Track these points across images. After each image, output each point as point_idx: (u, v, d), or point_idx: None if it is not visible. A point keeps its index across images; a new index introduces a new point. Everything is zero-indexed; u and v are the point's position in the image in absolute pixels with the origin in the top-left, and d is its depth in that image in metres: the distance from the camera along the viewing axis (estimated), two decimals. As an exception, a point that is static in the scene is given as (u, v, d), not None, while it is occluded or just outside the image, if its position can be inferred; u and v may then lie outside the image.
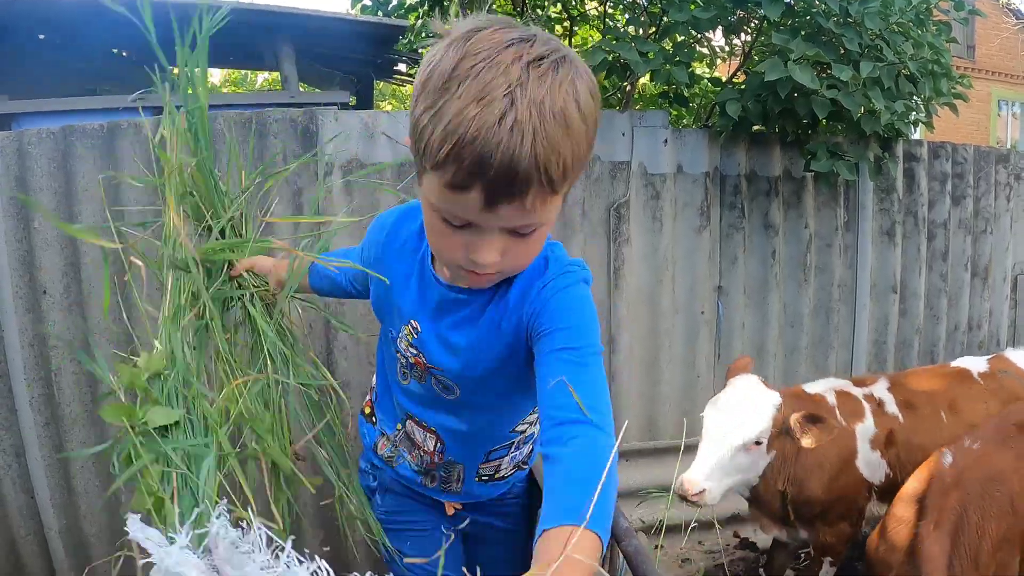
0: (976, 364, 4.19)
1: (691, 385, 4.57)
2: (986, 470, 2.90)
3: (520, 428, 1.91)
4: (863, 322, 5.09)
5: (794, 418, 3.25)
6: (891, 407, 3.80)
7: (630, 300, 4.28)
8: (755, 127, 4.58)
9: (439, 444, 1.87)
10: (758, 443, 3.29)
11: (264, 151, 3.72)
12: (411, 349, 1.74)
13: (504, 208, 1.24)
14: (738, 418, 3.28)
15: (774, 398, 3.35)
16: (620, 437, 1.26)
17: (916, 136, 5.71)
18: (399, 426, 1.94)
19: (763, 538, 4.44)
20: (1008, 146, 20.37)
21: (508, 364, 1.63)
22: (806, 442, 3.22)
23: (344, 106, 6.14)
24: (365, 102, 8.22)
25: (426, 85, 1.24)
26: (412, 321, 1.71)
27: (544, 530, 1.18)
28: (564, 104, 1.21)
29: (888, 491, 3.69)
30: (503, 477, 1.99)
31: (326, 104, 4.91)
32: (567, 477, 1.26)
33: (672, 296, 4.43)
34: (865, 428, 3.70)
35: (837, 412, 3.67)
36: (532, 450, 2.05)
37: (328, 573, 1.01)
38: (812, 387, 3.81)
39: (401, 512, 2.03)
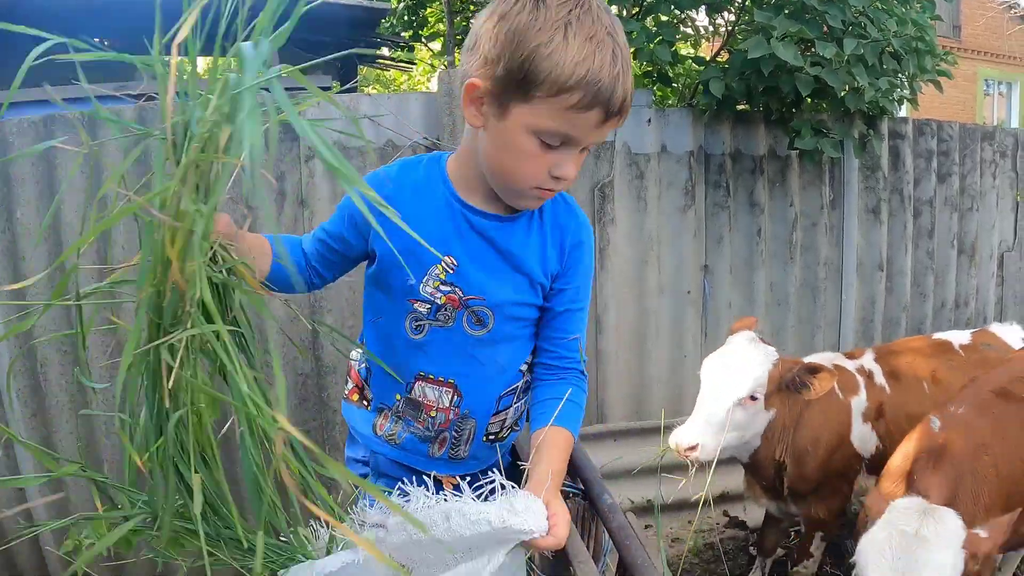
0: (959, 337, 4.22)
1: (678, 364, 4.57)
2: (974, 436, 2.93)
3: (523, 368, 1.97)
4: (850, 300, 5.09)
5: (795, 371, 3.26)
6: (879, 378, 3.82)
7: (616, 280, 4.28)
8: (739, 105, 4.57)
9: (456, 397, 1.91)
10: (754, 398, 3.28)
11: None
12: (443, 288, 1.80)
13: (608, 125, 1.57)
14: (733, 373, 3.28)
15: (771, 353, 3.34)
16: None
17: (902, 114, 5.70)
18: (398, 396, 1.94)
19: (753, 517, 4.45)
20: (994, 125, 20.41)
21: (537, 290, 1.85)
22: (809, 393, 3.23)
23: (326, 91, 6.09)
24: (349, 88, 8.19)
25: (531, 26, 1.49)
26: (446, 257, 1.78)
27: (539, 428, 1.78)
28: (627, 44, 1.58)
29: (877, 463, 3.70)
30: (502, 437, 2.02)
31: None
32: (560, 397, 1.83)
33: (658, 276, 4.42)
34: (859, 401, 3.72)
35: (836, 387, 3.68)
36: (525, 410, 2.07)
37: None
38: (808, 360, 3.81)
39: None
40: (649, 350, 4.47)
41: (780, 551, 4.38)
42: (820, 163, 4.80)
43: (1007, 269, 6.18)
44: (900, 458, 3.01)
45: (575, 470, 2.20)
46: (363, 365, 2.05)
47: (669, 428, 3.61)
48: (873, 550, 2.54)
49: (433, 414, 1.91)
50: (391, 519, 1.51)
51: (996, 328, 4.38)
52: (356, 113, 3.83)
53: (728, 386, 3.26)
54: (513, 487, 1.55)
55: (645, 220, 4.33)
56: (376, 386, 2.01)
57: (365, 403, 2.03)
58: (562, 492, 2.04)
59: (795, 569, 3.87)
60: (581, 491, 2.13)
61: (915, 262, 5.45)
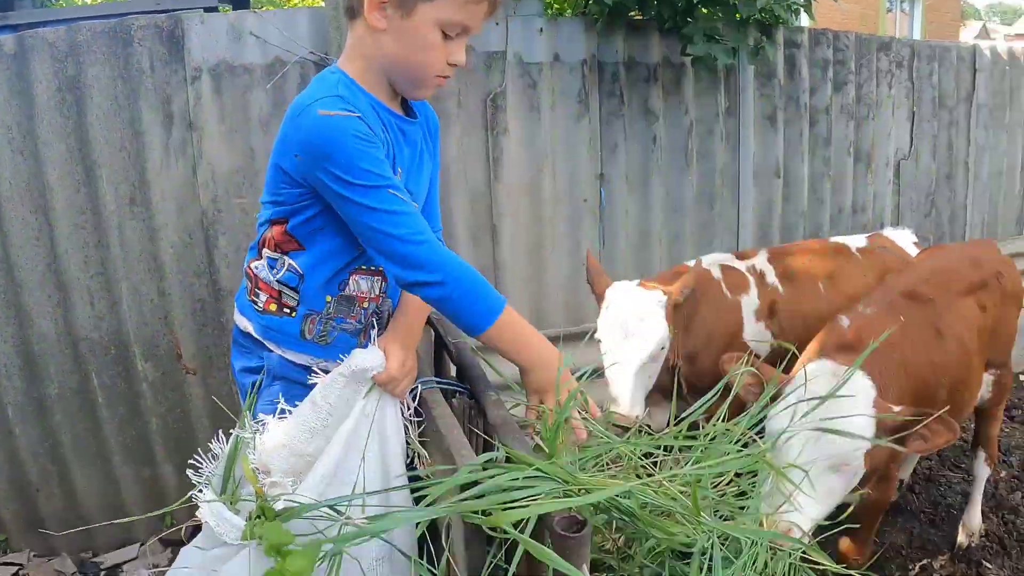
0: (855, 240, 4.30)
1: (577, 273, 4.58)
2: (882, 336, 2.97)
3: None
4: (747, 207, 5.16)
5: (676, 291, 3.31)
6: (771, 278, 3.87)
7: (511, 190, 4.27)
8: (632, 13, 4.55)
9: (383, 284, 2.08)
10: (663, 348, 3.32)
11: (129, 59, 3.59)
12: None
13: (491, 14, 1.81)
14: (634, 337, 3.27)
15: (657, 297, 3.36)
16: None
17: (803, 23, 5.76)
18: (329, 298, 2.02)
19: (658, 421, 4.51)
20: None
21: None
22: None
23: (212, 11, 5.92)
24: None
25: None
26: (398, 168, 1.95)
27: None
28: None
29: (773, 363, 3.77)
30: None
31: (192, 9, 4.74)
32: None
33: (553, 185, 4.42)
34: (750, 300, 3.77)
35: (723, 285, 3.72)
36: None
37: None
38: (699, 260, 3.85)
39: (290, 400, 2.03)
40: (546, 259, 4.48)
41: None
42: (715, 71, 4.80)
43: (903, 177, 6.32)
44: (805, 357, 3.04)
45: (462, 370, 2.22)
46: (281, 274, 2.05)
47: (568, 337, 3.65)
48: (786, 415, 2.56)
49: (365, 305, 2.06)
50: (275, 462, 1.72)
51: (889, 232, 4.48)
52: (242, 30, 3.74)
53: (635, 352, 3.26)
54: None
55: (539, 130, 4.31)
56: (308, 292, 2.04)
57: (287, 311, 2.05)
58: (447, 390, 2.10)
59: (698, 468, 3.94)
60: (467, 389, 2.15)
61: (812, 169, 5.54)
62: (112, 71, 3.59)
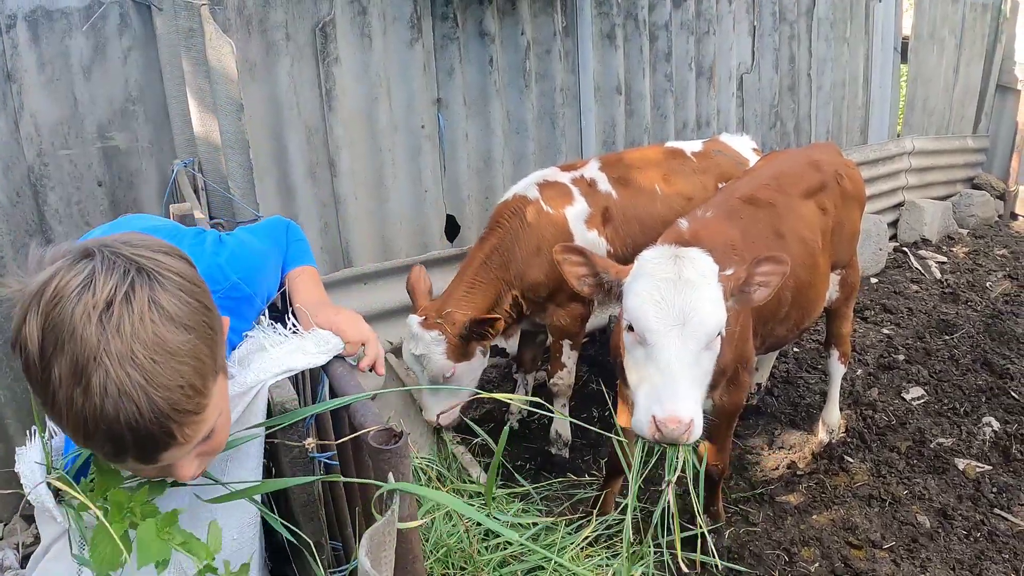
0: (691, 145, 4.40)
1: (420, 201, 4.60)
2: (723, 237, 3.04)
3: None
4: (590, 125, 5.21)
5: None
6: (604, 185, 3.93)
7: (346, 120, 4.21)
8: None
9: None
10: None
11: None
12: None
13: (164, 455, 1.24)
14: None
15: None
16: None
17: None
18: None
19: (512, 344, 4.56)
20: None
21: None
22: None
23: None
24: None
25: (30, 371, 1.17)
26: None
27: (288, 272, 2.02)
28: (155, 335, 1.18)
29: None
30: None
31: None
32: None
33: (390, 113, 4.38)
34: (576, 211, 3.82)
35: (542, 203, 3.77)
36: None
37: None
38: (513, 191, 3.90)
39: None
40: (388, 189, 4.46)
41: (542, 373, 4.53)
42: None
43: (747, 90, 6.47)
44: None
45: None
46: None
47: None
48: (648, 302, 2.57)
49: None
50: None
51: (726, 137, 4.61)
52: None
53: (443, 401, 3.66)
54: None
55: (371, 57, 4.25)
56: None
57: None
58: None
59: (552, 381, 4.03)
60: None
61: (654, 85, 5.62)
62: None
